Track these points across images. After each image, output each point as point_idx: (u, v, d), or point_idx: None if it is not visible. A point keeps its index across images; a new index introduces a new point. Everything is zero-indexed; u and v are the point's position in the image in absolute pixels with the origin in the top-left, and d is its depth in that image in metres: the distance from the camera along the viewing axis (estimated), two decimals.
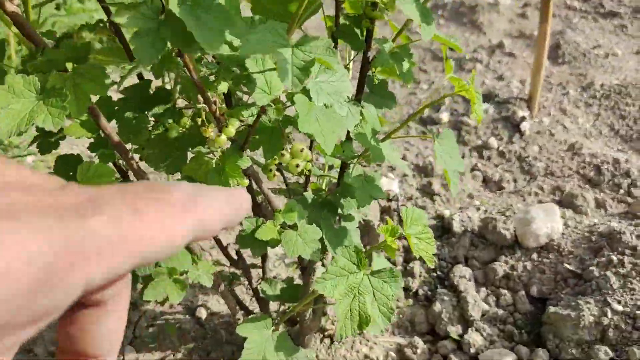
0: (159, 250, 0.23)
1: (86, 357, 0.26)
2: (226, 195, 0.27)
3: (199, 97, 0.76)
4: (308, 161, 0.82)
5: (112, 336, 0.26)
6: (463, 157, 1.71)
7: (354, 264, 0.77)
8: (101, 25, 0.93)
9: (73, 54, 0.62)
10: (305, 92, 0.78)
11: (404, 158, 1.67)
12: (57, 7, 2.39)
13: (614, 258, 1.10)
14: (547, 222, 1.24)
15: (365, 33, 0.92)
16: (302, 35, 0.63)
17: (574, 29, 2.77)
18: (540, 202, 1.51)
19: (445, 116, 1.90)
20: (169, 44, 0.59)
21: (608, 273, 1.07)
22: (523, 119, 1.82)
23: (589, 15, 3.00)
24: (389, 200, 1.49)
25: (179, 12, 0.54)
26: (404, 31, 0.91)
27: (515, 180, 1.62)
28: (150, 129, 0.78)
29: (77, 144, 1.75)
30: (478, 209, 1.43)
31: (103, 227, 0.21)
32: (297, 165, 0.71)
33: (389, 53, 0.88)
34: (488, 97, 2.01)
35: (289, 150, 0.72)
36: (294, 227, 0.89)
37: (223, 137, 0.70)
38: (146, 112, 0.86)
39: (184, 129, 0.76)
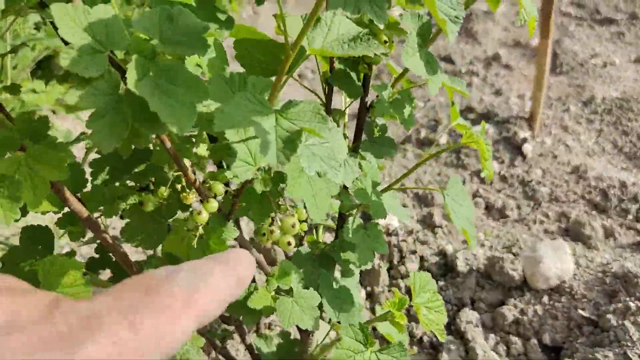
0: (160, 356, 0.22)
1: None
2: (223, 270, 0.26)
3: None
4: (303, 221, 0.74)
5: None
6: (464, 182, 1.64)
7: (360, 342, 0.69)
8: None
9: (29, 131, 0.54)
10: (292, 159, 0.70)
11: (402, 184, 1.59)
12: (37, 28, 2.29)
13: (632, 305, 1.03)
14: (557, 262, 1.16)
15: (362, 78, 0.84)
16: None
17: (570, 37, 2.71)
18: (546, 231, 1.44)
19: (444, 138, 1.83)
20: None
21: (626, 323, 1.00)
22: (525, 140, 1.75)
23: (585, 22, 2.94)
24: (389, 234, 1.41)
25: (139, 90, 0.46)
26: (404, 75, 0.83)
27: (519, 207, 1.55)
28: (122, 197, 0.69)
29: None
30: (482, 244, 1.35)
31: (100, 353, 0.20)
32: (289, 243, 0.63)
33: (389, 100, 0.81)
34: (487, 116, 1.94)
35: (279, 225, 0.64)
36: (289, 291, 0.81)
37: (204, 214, 0.62)
38: (125, 175, 0.78)
39: (161, 201, 0.68)
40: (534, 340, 1.08)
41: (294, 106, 0.53)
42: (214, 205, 0.62)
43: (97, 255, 0.82)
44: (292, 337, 1.10)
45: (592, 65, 2.43)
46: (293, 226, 0.63)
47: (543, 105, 1.94)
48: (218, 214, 0.69)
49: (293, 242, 0.63)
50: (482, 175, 0.73)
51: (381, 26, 0.68)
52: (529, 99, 2.09)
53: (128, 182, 0.81)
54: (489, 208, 1.56)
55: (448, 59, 2.49)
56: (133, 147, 0.80)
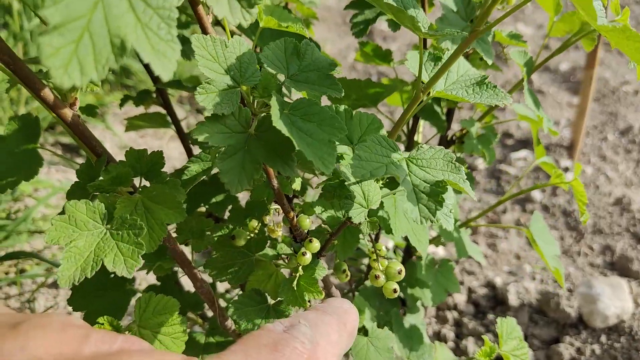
0: None
1: None
2: (338, 322, 0.26)
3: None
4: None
5: None
6: (505, 211, 1.61)
7: None
8: (151, 96, 0.82)
9: (141, 166, 0.51)
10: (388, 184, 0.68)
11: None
12: None
13: None
14: (615, 300, 1.13)
15: (445, 112, 0.82)
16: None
17: (600, 64, 2.70)
18: (591, 264, 1.41)
19: (481, 163, 1.80)
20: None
21: None
22: (567, 169, 1.72)
23: (615, 49, 2.92)
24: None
25: (282, 127, 0.44)
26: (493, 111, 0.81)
27: (562, 238, 1.52)
28: (211, 230, 0.67)
29: None
30: (533, 278, 1.32)
31: None
32: (395, 290, 0.60)
33: (476, 137, 0.78)
34: (525, 143, 1.92)
35: (383, 271, 0.61)
36: (361, 330, 0.78)
37: (308, 255, 0.59)
38: (202, 204, 0.76)
39: (252, 234, 0.66)
40: None
41: (424, 153, 0.51)
42: (316, 245, 0.60)
43: (157, 283, 0.80)
44: None
45: (624, 92, 2.42)
46: (399, 272, 0.60)
47: (582, 136, 1.92)
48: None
49: (398, 289, 0.61)
50: (581, 218, 0.71)
51: (489, 62, 0.66)
52: (564, 126, 2.07)
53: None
54: None
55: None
56: (212, 175, 0.78)
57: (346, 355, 1.22)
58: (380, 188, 0.64)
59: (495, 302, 1.27)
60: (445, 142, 0.82)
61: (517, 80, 2.55)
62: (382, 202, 0.66)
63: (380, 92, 0.76)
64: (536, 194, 1.66)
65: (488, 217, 1.59)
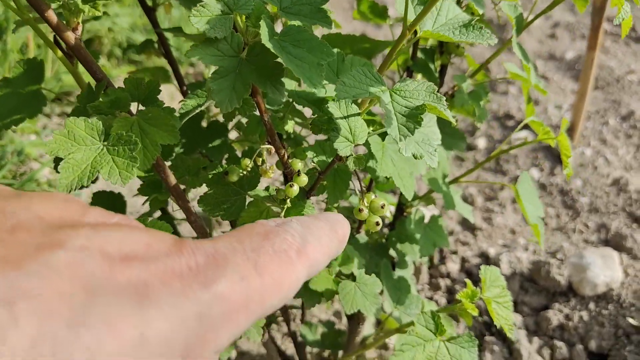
0: (276, 303, 0.23)
1: None
2: (330, 228, 0.27)
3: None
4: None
5: None
6: (502, 188, 1.63)
7: (430, 330, 0.69)
8: (152, 45, 0.85)
9: (139, 92, 0.54)
10: (371, 137, 0.70)
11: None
12: None
13: None
14: (605, 270, 1.16)
15: (439, 68, 0.84)
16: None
17: (606, 53, 2.70)
18: (585, 240, 1.43)
19: (481, 143, 1.82)
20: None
21: None
22: None
23: (620, 39, 2.92)
24: None
25: (272, 46, 0.47)
26: (483, 68, 0.83)
27: (558, 216, 1.54)
28: (207, 168, 0.70)
29: None
30: (526, 248, 1.35)
31: (229, 292, 0.21)
32: (377, 223, 0.63)
33: (467, 92, 0.81)
34: (526, 124, 1.93)
35: (367, 205, 0.64)
36: (350, 276, 0.81)
37: (295, 187, 0.62)
38: (199, 148, 0.78)
39: (245, 172, 0.68)
40: (579, 346, 1.07)
41: (407, 85, 0.54)
42: (304, 179, 0.62)
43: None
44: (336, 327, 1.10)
45: (628, 81, 2.42)
46: (382, 207, 0.62)
47: (583, 119, 1.93)
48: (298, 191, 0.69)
49: (381, 222, 0.63)
50: (564, 172, 0.73)
51: (480, 11, 0.68)
52: (566, 110, 2.08)
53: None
54: None
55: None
56: (209, 120, 0.81)
57: (336, 300, 1.25)
58: (369, 134, 0.67)
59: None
60: None
61: (521, 66, 2.56)
62: (369, 144, 0.69)
63: (375, 46, 0.79)
64: (534, 173, 1.68)
65: (485, 194, 1.62)
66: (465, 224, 1.48)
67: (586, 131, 1.92)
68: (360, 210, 0.63)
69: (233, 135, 0.86)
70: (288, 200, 0.64)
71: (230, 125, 0.82)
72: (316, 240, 0.26)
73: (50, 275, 0.18)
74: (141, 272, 0.20)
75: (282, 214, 0.64)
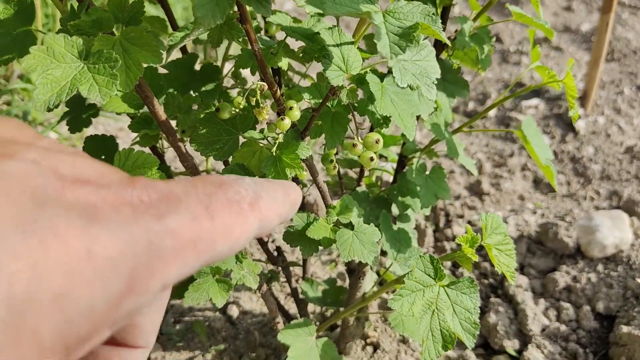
0: (226, 250, 0.23)
1: (123, 346, 0.26)
2: (283, 191, 0.27)
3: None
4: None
5: (153, 328, 0.27)
6: (512, 155, 1.60)
7: (429, 275, 0.67)
8: None
9: (122, 14, 0.52)
10: (377, 73, 0.68)
11: (440, 164, 1.56)
12: None
13: None
14: (615, 231, 1.13)
15: (441, 11, 0.81)
16: None
17: (623, 25, 2.63)
18: (597, 207, 1.40)
19: (492, 111, 1.79)
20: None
21: None
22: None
23: (638, 10, 2.84)
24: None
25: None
26: (487, 10, 0.80)
27: (568, 183, 1.51)
28: (197, 109, 0.68)
29: (102, 123, 1.66)
30: (534, 212, 1.32)
31: (180, 228, 0.21)
32: (372, 159, 0.61)
33: (469, 35, 0.78)
34: (538, 92, 1.89)
35: (361, 141, 0.62)
36: (348, 225, 0.79)
37: (287, 120, 0.60)
38: (192, 91, 0.77)
39: (237, 110, 0.67)
40: (587, 307, 1.05)
41: (402, 7, 0.51)
42: (296, 114, 0.61)
43: None
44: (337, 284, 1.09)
45: None
46: (377, 142, 0.60)
47: (596, 86, 1.89)
48: (293, 131, 0.67)
49: (375, 158, 0.61)
50: (570, 114, 0.70)
51: None
52: (580, 80, 2.03)
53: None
54: (537, 181, 1.52)
55: (497, 38, 2.43)
56: (203, 64, 0.79)
57: (334, 248, 1.23)
58: (366, 73, 0.64)
59: None
60: (440, 44, 0.81)
61: (536, 37, 2.50)
62: (368, 83, 0.67)
63: None
64: (545, 140, 1.64)
65: (494, 161, 1.58)
66: (473, 190, 1.46)
67: (600, 100, 1.87)
68: (354, 145, 0.61)
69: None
70: (280, 136, 0.62)
71: (225, 70, 0.81)
72: (269, 198, 0.26)
73: (1, 180, 0.18)
74: (92, 195, 0.19)
75: (274, 149, 0.63)
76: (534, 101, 1.81)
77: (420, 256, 0.68)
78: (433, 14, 0.51)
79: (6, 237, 0.16)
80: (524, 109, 1.78)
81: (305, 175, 0.71)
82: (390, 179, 1.38)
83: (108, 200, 0.19)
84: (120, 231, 0.19)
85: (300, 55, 0.61)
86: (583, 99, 1.78)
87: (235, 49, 0.79)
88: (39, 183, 0.18)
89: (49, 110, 0.46)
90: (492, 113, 1.78)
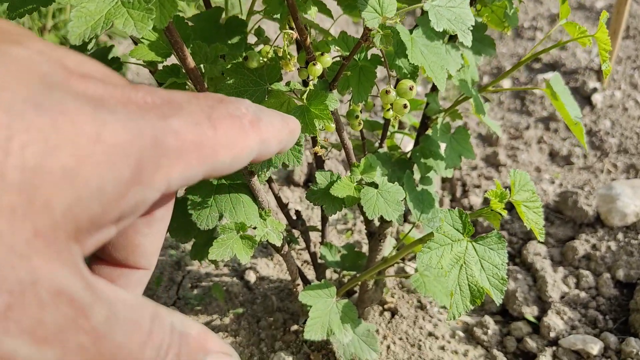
0: (229, 162, 0.23)
1: (125, 267, 0.26)
2: (281, 118, 0.27)
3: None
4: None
5: (154, 249, 0.27)
6: (528, 127, 1.58)
7: (458, 230, 0.67)
8: None
9: None
10: (399, 26, 0.67)
11: (464, 125, 1.54)
12: None
13: None
14: (636, 200, 1.11)
15: None
16: None
17: (639, 3, 2.59)
18: (614, 180, 1.39)
19: (506, 84, 1.77)
20: None
21: None
22: (594, 90, 1.68)
23: None
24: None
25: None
26: None
27: (585, 156, 1.49)
28: (225, 56, 0.67)
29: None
30: (552, 182, 1.31)
31: (184, 130, 0.20)
32: (405, 106, 0.60)
33: None
34: (554, 66, 1.87)
35: (393, 88, 0.60)
36: (372, 184, 0.79)
37: (319, 66, 0.59)
38: (218, 43, 0.75)
39: (265, 60, 0.65)
40: (606, 275, 1.04)
41: None
42: (327, 59, 0.60)
43: None
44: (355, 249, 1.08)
45: None
46: (410, 89, 0.59)
47: (613, 61, 1.86)
48: (321, 81, 0.66)
49: (409, 105, 0.60)
50: (602, 68, 0.69)
51: None
52: (596, 54, 2.01)
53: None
54: (553, 154, 1.51)
55: None
56: (227, 17, 0.78)
57: (355, 230, 1.23)
58: (396, 23, 0.63)
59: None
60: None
61: (550, 14, 2.48)
62: (398, 33, 0.66)
63: None
64: None
65: (510, 134, 1.57)
66: (489, 161, 1.44)
67: (617, 75, 1.85)
68: (387, 92, 0.60)
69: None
70: (310, 83, 0.61)
71: (250, 27, 0.79)
72: (268, 120, 0.26)
73: (8, 60, 0.17)
74: (99, 88, 0.19)
75: (304, 97, 0.62)
76: (550, 74, 1.79)
77: (449, 210, 0.67)
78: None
79: (18, 109, 0.16)
80: (539, 82, 1.76)
81: (333, 128, 0.71)
82: (409, 146, 1.37)
83: (115, 96, 0.19)
84: (128, 120, 0.19)
85: (341, 11, 0.59)
86: (599, 73, 1.76)
87: (258, 5, 0.78)
88: (47, 70, 0.18)
89: (84, 43, 0.45)
90: (507, 85, 1.76)
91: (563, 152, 1.50)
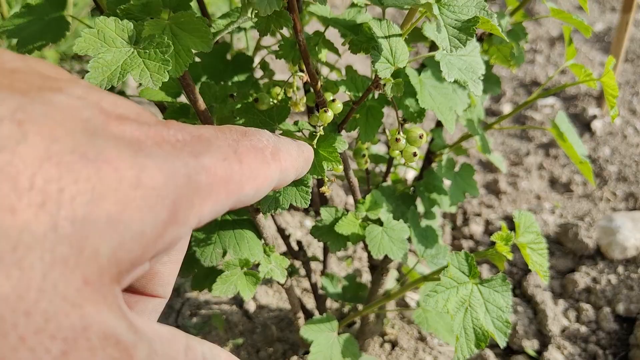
0: (253, 193, 0.24)
1: (143, 294, 0.27)
2: (297, 147, 0.29)
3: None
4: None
5: (171, 278, 0.27)
6: (528, 154, 1.59)
7: (464, 273, 0.67)
8: None
9: (171, 0, 0.51)
10: (408, 69, 0.67)
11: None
12: None
13: None
14: (636, 233, 1.12)
15: None
16: None
17: (637, 26, 2.62)
18: (613, 209, 1.39)
19: (507, 108, 1.78)
20: None
21: None
22: (594, 117, 1.69)
23: None
24: None
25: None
26: (524, 6, 0.79)
27: (584, 183, 1.50)
28: (235, 96, 0.67)
29: None
30: (552, 212, 1.31)
31: (214, 166, 0.21)
32: (415, 154, 0.60)
33: (505, 31, 0.77)
34: (554, 92, 1.88)
35: (403, 136, 0.61)
36: (376, 221, 0.78)
37: (330, 113, 0.59)
38: (224, 81, 0.76)
39: (275, 101, 0.66)
40: (607, 309, 1.04)
41: (456, 0, 0.50)
42: (338, 106, 0.60)
43: None
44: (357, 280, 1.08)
45: None
46: (420, 137, 0.59)
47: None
48: (330, 123, 0.66)
49: (418, 153, 0.60)
50: (610, 113, 0.69)
51: None
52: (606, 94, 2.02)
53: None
54: (553, 181, 1.51)
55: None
56: (234, 53, 0.78)
57: (355, 258, 1.22)
58: (404, 67, 0.63)
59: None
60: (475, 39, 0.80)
61: (549, 37, 2.50)
62: (407, 76, 0.66)
63: None
64: None
65: (510, 160, 1.58)
66: (490, 188, 1.45)
67: (616, 101, 1.86)
68: (397, 140, 0.60)
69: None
70: (320, 128, 0.61)
71: (256, 61, 0.79)
72: (287, 150, 0.27)
73: (53, 110, 0.18)
74: (135, 130, 0.20)
75: (315, 142, 0.62)
76: (550, 100, 1.80)
77: (455, 252, 0.67)
78: (488, 8, 0.50)
79: (66, 160, 0.17)
80: (540, 107, 1.77)
81: (341, 169, 0.71)
82: (409, 174, 1.37)
83: (150, 136, 0.20)
84: (164, 163, 0.19)
85: (348, 45, 0.60)
86: (599, 99, 1.77)
87: (265, 40, 0.78)
88: (87, 116, 0.19)
89: None
90: (507, 110, 1.77)
91: (563, 179, 1.51)
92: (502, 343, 0.66)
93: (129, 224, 0.18)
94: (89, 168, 0.17)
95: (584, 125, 1.70)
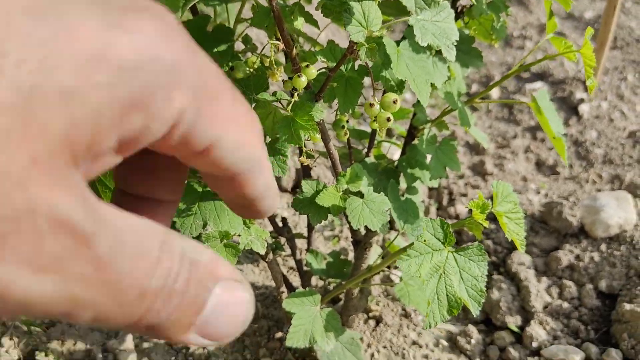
0: (234, 147, 0.22)
1: (152, 200, 0.26)
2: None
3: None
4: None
5: (179, 182, 0.26)
6: (515, 137, 1.60)
7: (439, 240, 0.67)
8: None
9: None
10: (385, 39, 0.67)
11: (453, 134, 1.55)
12: None
13: None
14: (619, 211, 1.13)
15: None
16: None
17: (626, 14, 2.62)
18: (598, 190, 1.40)
19: (495, 93, 1.78)
20: None
21: None
22: (581, 101, 1.70)
23: None
24: None
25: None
26: None
27: (571, 167, 1.51)
28: None
29: None
30: (537, 192, 1.32)
31: (219, 79, 0.21)
32: (388, 119, 0.60)
33: (486, 3, 0.77)
34: (542, 76, 1.88)
35: (378, 101, 0.61)
36: (357, 194, 0.79)
37: (303, 78, 0.59)
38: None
39: (251, 70, 0.66)
40: (589, 286, 1.05)
41: None
42: (312, 72, 0.60)
43: None
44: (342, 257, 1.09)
45: None
46: (394, 102, 0.60)
47: (600, 72, 1.88)
48: (307, 92, 0.66)
49: (392, 118, 0.61)
50: (587, 83, 0.69)
51: None
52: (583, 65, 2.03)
53: None
54: (539, 164, 1.52)
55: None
56: (214, 25, 0.78)
57: (342, 237, 1.23)
58: (382, 36, 0.64)
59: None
60: (455, 10, 0.80)
61: (540, 23, 2.50)
62: (384, 46, 0.66)
63: None
64: None
65: (497, 142, 1.58)
66: (476, 169, 1.45)
67: (603, 85, 1.87)
68: (371, 105, 0.61)
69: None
70: (295, 94, 0.61)
71: (237, 34, 0.79)
72: None
73: None
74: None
75: (289, 108, 0.62)
76: (538, 84, 1.80)
77: (430, 219, 0.68)
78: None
79: (15, 22, 0.15)
80: (528, 91, 1.78)
81: (318, 139, 0.71)
82: (396, 154, 1.37)
83: (138, 9, 0.18)
84: (141, 41, 0.17)
85: (320, 10, 0.60)
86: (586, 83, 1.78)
87: (246, 12, 0.78)
88: None
89: None
90: (495, 96, 1.78)
91: (549, 162, 1.51)
92: (475, 312, 0.67)
93: (83, 101, 0.16)
94: (42, 32, 0.15)
95: (571, 108, 1.70)
